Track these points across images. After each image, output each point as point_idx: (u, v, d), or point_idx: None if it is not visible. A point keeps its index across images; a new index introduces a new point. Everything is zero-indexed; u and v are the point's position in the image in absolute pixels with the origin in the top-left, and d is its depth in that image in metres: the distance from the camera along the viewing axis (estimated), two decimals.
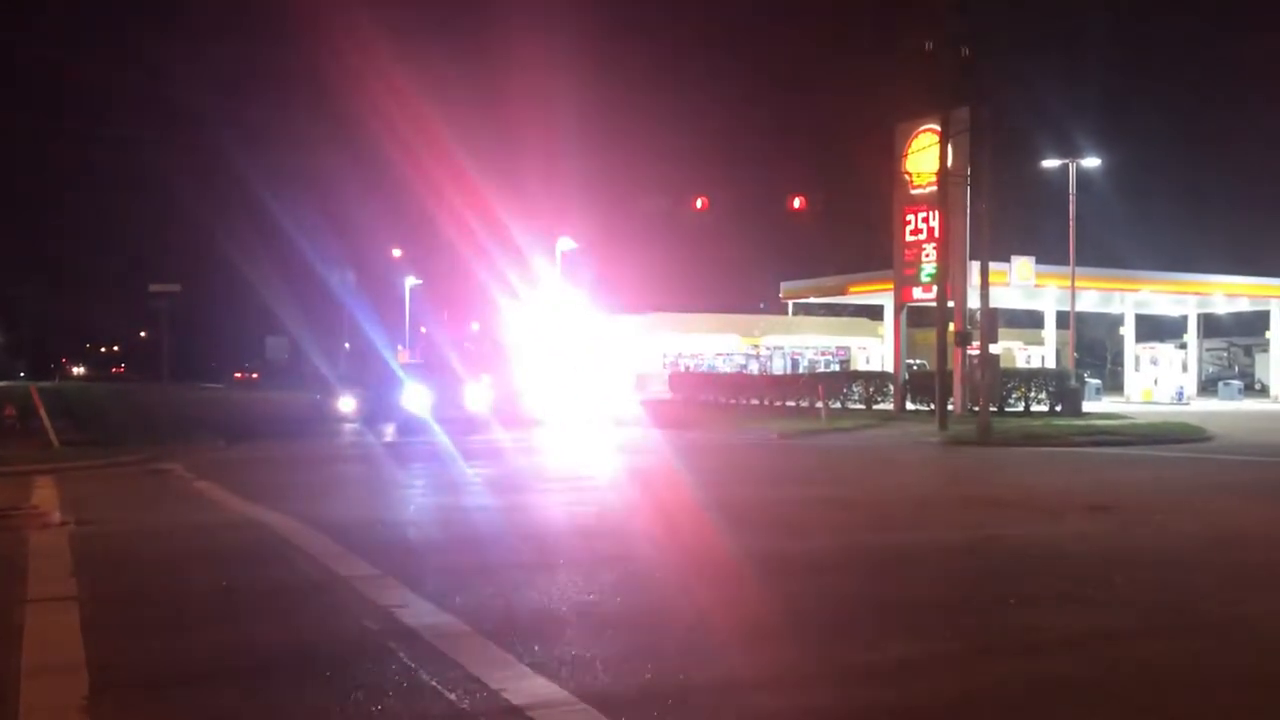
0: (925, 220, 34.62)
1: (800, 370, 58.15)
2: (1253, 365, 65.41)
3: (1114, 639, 6.82)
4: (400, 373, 31.19)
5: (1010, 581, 8.51)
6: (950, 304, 29.91)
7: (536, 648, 6.45)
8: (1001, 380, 32.88)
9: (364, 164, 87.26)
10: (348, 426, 28.92)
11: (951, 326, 29.69)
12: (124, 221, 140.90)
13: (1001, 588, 8.28)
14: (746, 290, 71.73)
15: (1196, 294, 50.86)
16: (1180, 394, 44.44)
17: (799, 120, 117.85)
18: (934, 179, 31.38)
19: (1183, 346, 52.49)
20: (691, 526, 11.80)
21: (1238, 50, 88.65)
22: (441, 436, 23.84)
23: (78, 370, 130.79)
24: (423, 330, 69.70)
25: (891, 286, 37.78)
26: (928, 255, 34.35)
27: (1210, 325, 63.63)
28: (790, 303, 57.42)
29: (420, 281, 71.61)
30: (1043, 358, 51.45)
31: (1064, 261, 40.61)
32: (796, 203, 33.57)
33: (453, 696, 5.58)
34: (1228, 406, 42.97)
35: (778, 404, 40.53)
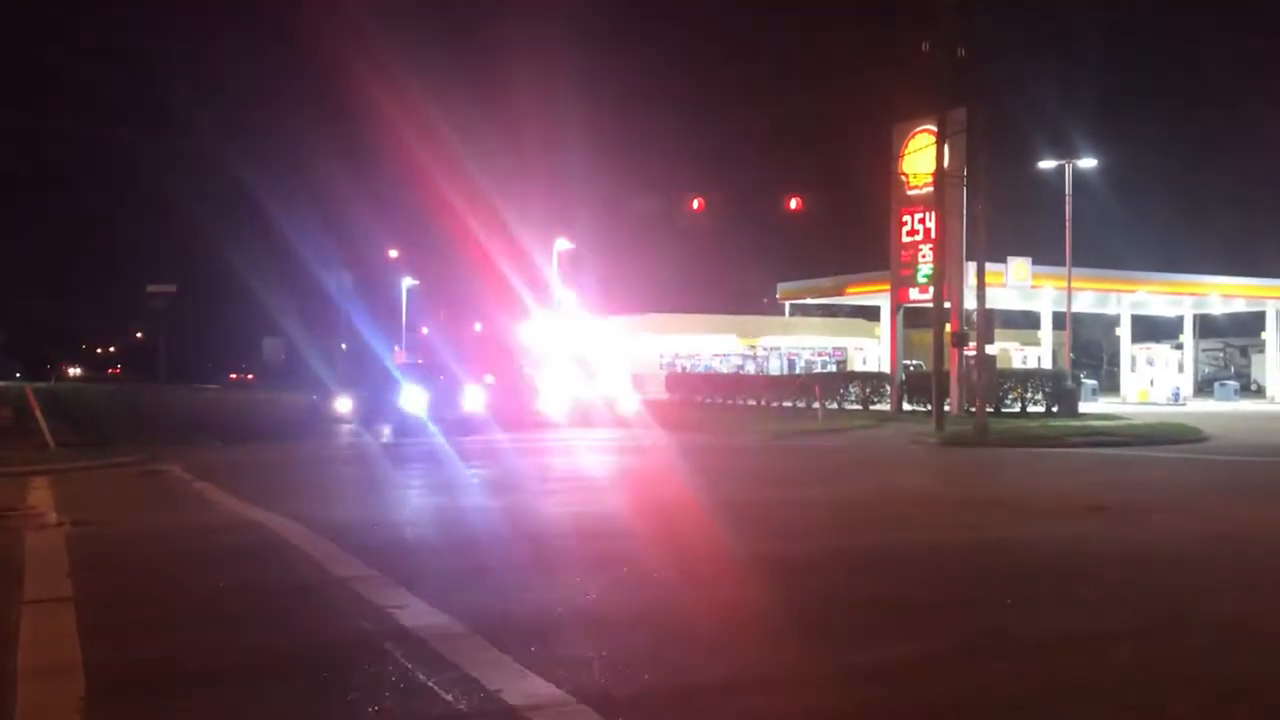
0: (922, 221, 34.71)
1: (797, 371, 58.10)
2: (1249, 366, 65.57)
3: (1113, 639, 6.81)
4: (397, 374, 31.14)
5: (1008, 582, 8.51)
6: (947, 305, 29.93)
7: (534, 649, 6.44)
8: (998, 381, 32.91)
9: (362, 165, 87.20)
10: (345, 428, 28.87)
11: (948, 327, 29.71)
12: (120, 222, 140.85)
13: (999, 588, 8.28)
14: (743, 291, 71.78)
15: (1192, 295, 50.98)
16: (1176, 394, 44.53)
17: (796, 121, 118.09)
18: (931, 180, 31.41)
19: (1179, 347, 52.61)
20: (689, 527, 11.79)
21: (1234, 51, 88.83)
22: (439, 437, 23.83)
23: (74, 371, 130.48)
24: (424, 331, 69.65)
25: (888, 287, 37.86)
26: (924, 256, 34.41)
27: (1206, 326, 63.77)
28: (787, 303, 57.49)
29: (417, 282, 71.66)
30: (1039, 358, 51.49)
31: (1060, 262, 40.64)
32: (793, 203, 33.68)
33: (450, 697, 5.57)
34: (1224, 407, 43.06)
35: (774, 405, 40.56)
